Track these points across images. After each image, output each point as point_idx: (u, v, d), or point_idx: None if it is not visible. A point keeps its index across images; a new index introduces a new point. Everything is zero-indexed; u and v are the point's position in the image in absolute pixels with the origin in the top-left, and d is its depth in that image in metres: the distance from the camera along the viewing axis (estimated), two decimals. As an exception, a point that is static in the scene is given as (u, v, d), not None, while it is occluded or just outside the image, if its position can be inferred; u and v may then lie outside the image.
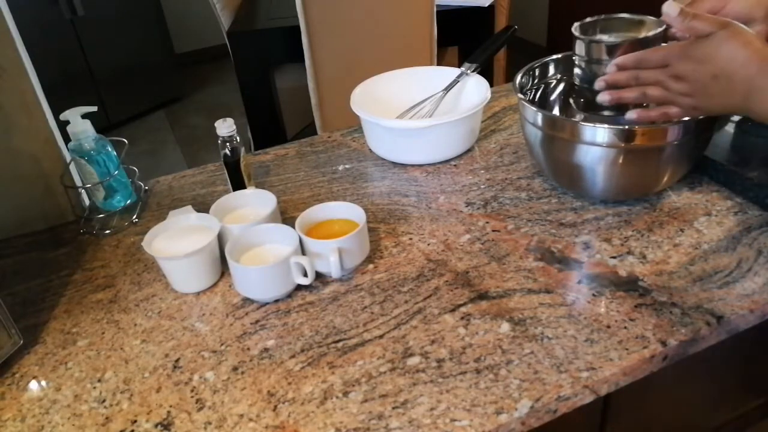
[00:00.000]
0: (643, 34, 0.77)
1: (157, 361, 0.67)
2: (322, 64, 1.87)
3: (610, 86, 0.74)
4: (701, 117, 0.72)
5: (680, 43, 0.67)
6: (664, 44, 0.72)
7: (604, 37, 0.80)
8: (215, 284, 0.78)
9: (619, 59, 0.72)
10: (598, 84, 0.74)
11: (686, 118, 0.71)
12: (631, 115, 0.73)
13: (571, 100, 0.87)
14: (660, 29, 0.74)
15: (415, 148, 0.97)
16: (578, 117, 0.86)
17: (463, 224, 0.84)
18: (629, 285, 0.70)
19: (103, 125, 3.17)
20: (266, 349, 0.67)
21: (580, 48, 0.78)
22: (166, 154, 3.08)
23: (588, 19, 0.81)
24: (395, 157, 1.00)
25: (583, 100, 0.82)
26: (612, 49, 0.75)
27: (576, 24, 0.79)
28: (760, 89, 0.60)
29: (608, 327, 0.65)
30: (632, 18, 0.80)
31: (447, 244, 0.80)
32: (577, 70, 0.81)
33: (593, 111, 0.80)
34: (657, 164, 0.78)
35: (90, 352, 0.70)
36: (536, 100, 0.93)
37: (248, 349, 0.67)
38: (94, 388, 0.65)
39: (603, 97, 0.74)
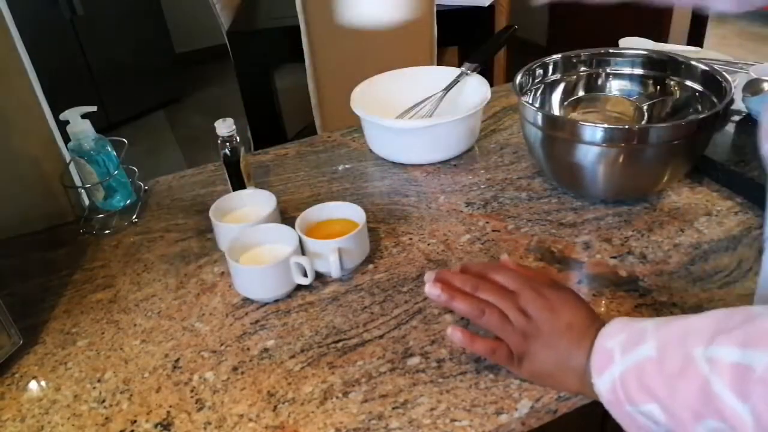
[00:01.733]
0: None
1: (157, 361, 0.67)
2: (322, 64, 1.87)
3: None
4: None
5: (536, 278, 0.61)
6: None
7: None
8: (215, 284, 0.78)
9: (465, 264, 0.63)
10: (427, 276, 0.61)
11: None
12: (453, 333, 0.59)
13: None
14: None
15: (415, 148, 0.97)
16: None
17: (463, 224, 0.84)
18: (629, 285, 0.70)
19: (103, 125, 3.14)
20: (266, 349, 0.67)
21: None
22: (166, 154, 3.08)
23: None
24: (395, 157, 1.00)
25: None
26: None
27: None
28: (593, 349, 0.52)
29: (608, 327, 0.65)
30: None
31: (447, 244, 0.80)
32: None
33: None
34: (657, 164, 0.78)
35: (90, 352, 0.70)
36: (536, 100, 0.93)
37: (248, 349, 0.67)
38: (94, 388, 0.65)
39: (431, 290, 0.59)
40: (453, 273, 0.62)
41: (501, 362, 0.59)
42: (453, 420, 0.57)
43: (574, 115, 0.91)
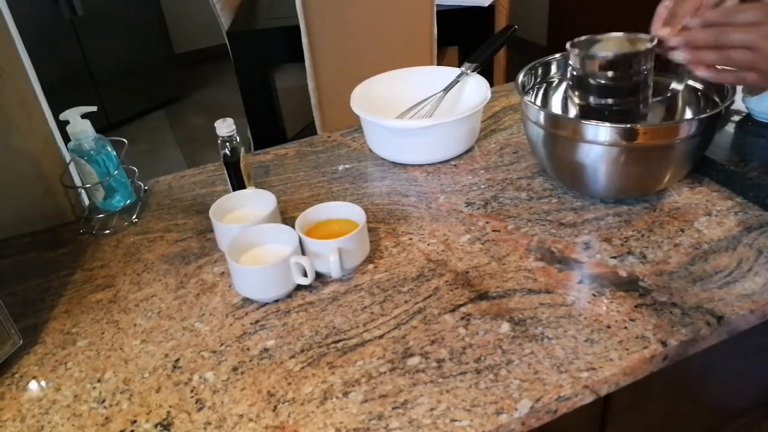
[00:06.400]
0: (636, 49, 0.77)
1: (157, 362, 0.67)
2: (322, 64, 1.87)
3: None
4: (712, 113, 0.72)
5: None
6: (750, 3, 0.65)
7: (600, 53, 0.79)
8: (215, 284, 0.78)
9: (707, 15, 0.65)
10: (662, 32, 0.67)
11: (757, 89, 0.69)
12: (702, 73, 0.67)
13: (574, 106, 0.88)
14: (652, 44, 0.73)
15: (415, 148, 0.97)
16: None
17: (463, 224, 0.84)
18: (629, 285, 0.70)
19: (102, 125, 3.17)
20: (266, 349, 0.67)
21: (575, 62, 0.79)
22: (166, 154, 3.08)
23: (582, 38, 0.81)
24: (395, 157, 1.00)
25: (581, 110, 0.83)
26: (606, 64, 0.75)
27: (569, 42, 0.80)
28: None
29: (608, 327, 0.65)
30: (624, 36, 0.80)
31: (447, 244, 0.80)
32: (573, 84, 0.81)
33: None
34: (658, 163, 0.78)
35: (90, 352, 0.69)
36: (538, 99, 0.93)
37: (248, 349, 0.67)
38: (94, 388, 0.65)
39: (680, 56, 0.67)
40: (695, 31, 0.65)
41: (758, 85, 0.65)
42: (453, 420, 0.57)
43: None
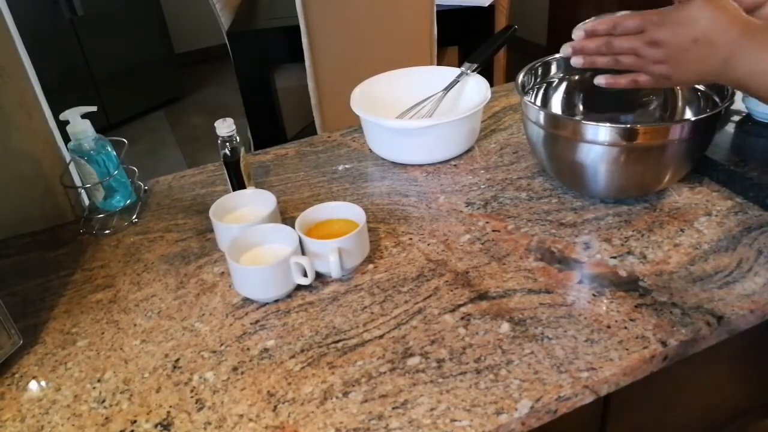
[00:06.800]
0: None
1: (157, 362, 0.67)
2: (322, 64, 1.87)
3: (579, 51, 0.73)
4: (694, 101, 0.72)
5: (657, 9, 0.66)
6: (637, 12, 0.71)
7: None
8: (215, 284, 0.78)
9: (590, 25, 0.70)
10: (564, 50, 0.73)
11: (656, 87, 0.71)
12: (600, 80, 0.73)
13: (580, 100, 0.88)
14: None
15: (415, 148, 0.97)
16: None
17: (463, 224, 0.84)
18: (629, 285, 0.70)
19: (102, 125, 3.17)
20: (266, 349, 0.67)
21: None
22: (166, 154, 3.08)
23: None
24: (395, 157, 1.00)
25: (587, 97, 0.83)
26: None
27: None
28: (740, 52, 0.60)
29: (608, 327, 0.65)
30: None
31: (447, 244, 0.80)
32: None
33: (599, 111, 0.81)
34: (659, 163, 0.78)
35: (90, 352, 0.69)
36: (538, 99, 0.93)
37: (248, 349, 0.67)
38: (94, 388, 0.65)
39: (576, 61, 0.72)
40: (586, 41, 0.71)
41: (650, 86, 0.69)
42: (453, 420, 0.57)
43: None
